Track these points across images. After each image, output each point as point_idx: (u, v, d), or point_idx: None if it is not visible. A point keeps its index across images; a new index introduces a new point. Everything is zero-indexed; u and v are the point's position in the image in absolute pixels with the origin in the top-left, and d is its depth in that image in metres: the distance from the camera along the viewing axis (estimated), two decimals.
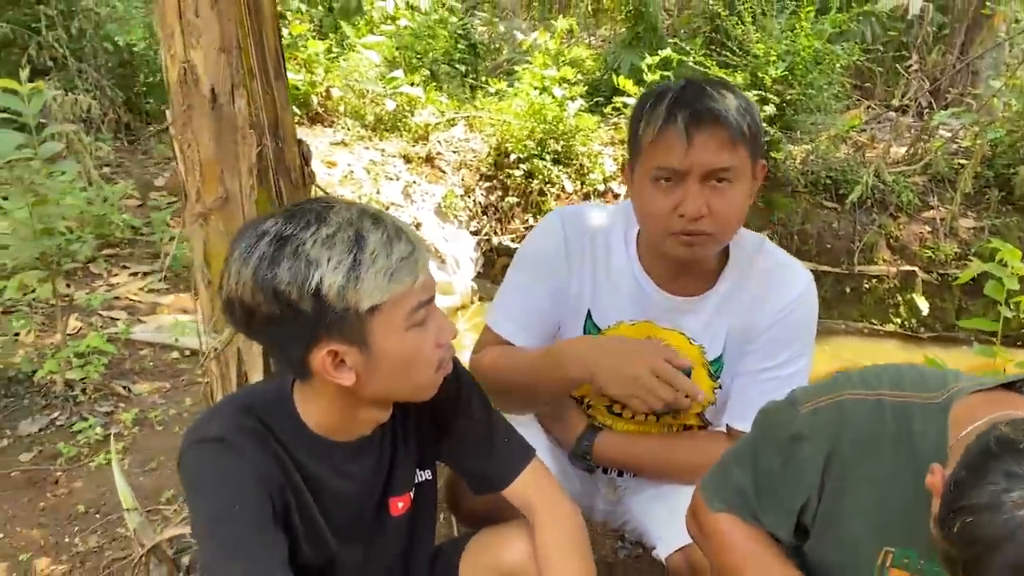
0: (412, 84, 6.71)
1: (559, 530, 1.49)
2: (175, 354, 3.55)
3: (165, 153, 5.94)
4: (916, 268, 5.50)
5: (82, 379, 3.09)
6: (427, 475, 1.54)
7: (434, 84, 7.23)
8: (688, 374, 1.56)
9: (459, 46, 8.08)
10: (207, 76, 1.77)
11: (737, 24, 5.99)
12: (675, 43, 6.28)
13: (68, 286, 3.93)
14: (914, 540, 1.18)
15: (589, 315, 1.74)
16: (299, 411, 1.35)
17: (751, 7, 6.06)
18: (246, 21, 1.77)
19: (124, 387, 3.19)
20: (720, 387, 1.74)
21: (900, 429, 1.16)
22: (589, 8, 7.63)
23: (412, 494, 1.51)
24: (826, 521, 1.24)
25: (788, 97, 5.63)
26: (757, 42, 5.74)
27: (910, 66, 6.95)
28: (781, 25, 5.97)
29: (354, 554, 1.47)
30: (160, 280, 4.22)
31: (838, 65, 5.69)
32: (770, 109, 5.48)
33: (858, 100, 6.80)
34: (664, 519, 1.75)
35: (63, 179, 4.22)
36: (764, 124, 5.33)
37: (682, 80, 1.58)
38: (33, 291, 3.14)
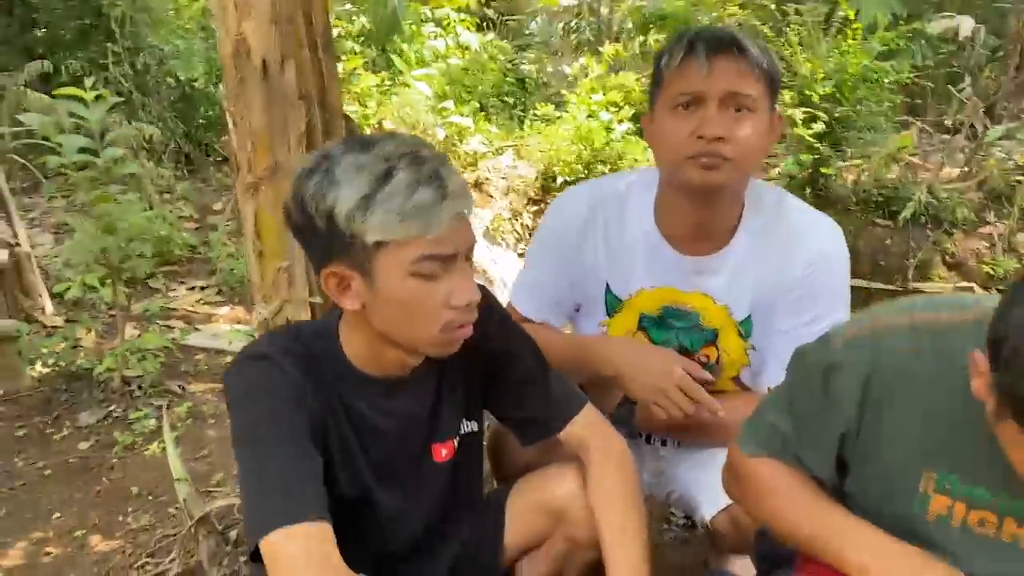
0: (462, 115, 6.84)
1: (613, 465, 1.50)
2: (229, 358, 3.63)
3: (224, 182, 6.14)
4: (974, 284, 5.37)
5: (139, 376, 3.19)
6: (473, 426, 1.55)
7: (483, 115, 7.37)
8: (713, 376, 1.59)
9: (508, 80, 8.23)
10: (258, 47, 1.84)
11: (784, 46, 6.01)
12: None
13: (128, 297, 4.05)
14: (956, 464, 1.16)
15: (608, 288, 1.73)
16: (341, 343, 1.39)
17: (797, 29, 6.07)
18: None
19: (179, 386, 3.27)
20: (753, 347, 1.72)
21: (937, 349, 1.15)
22: (637, 43, 7.71)
23: (456, 442, 1.52)
24: (866, 451, 1.22)
25: (837, 114, 5.60)
26: (804, 61, 5.74)
27: (963, 88, 6.87)
28: (828, 44, 5.96)
29: (394, 496, 1.48)
30: (216, 293, 4.35)
31: (887, 81, 5.65)
32: (818, 126, 5.45)
33: (910, 120, 6.72)
34: (708, 484, 1.73)
35: (125, 198, 4.39)
36: (814, 140, 5.35)
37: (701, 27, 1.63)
38: (95, 290, 3.25)
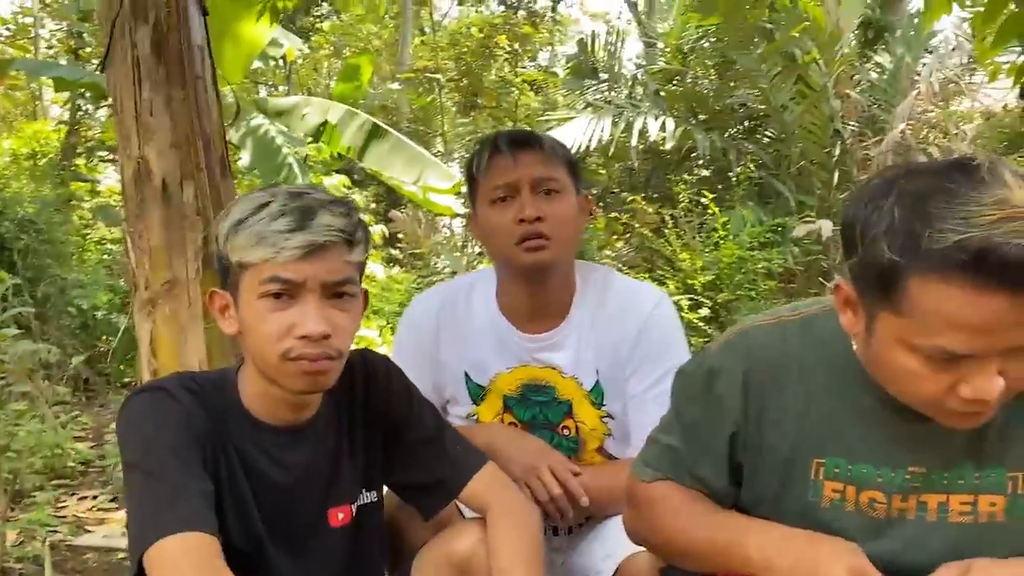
0: (368, 328, 7.00)
1: (513, 522, 1.47)
2: (121, 555, 3.41)
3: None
4: None
5: (20, 568, 2.96)
6: (371, 496, 1.52)
7: (389, 329, 7.54)
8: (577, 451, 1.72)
9: None
10: (159, 169, 1.99)
11: (664, 244, 6.53)
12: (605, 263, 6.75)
13: (12, 509, 3.83)
14: (840, 446, 1.20)
15: (467, 376, 1.81)
16: (239, 389, 1.40)
17: (676, 232, 6.64)
18: (194, 122, 2.02)
19: None
20: (609, 415, 1.78)
21: (804, 338, 1.22)
22: None
23: (354, 510, 1.49)
24: (756, 448, 1.26)
25: (720, 299, 6.00)
26: (684, 255, 6.24)
27: (833, 283, 7.48)
28: (703, 240, 6.51)
29: (288, 558, 1.43)
30: (110, 500, 4.13)
31: (760, 268, 6.14)
32: (704, 311, 5.82)
33: (788, 303, 7.23)
34: (601, 553, 1.73)
35: (16, 407, 4.27)
36: (701, 324, 5.67)
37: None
38: None
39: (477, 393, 1.81)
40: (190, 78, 1.99)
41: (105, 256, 7.54)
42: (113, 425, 5.34)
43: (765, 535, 1.19)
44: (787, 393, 1.22)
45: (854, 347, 1.16)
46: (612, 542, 1.59)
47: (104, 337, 6.72)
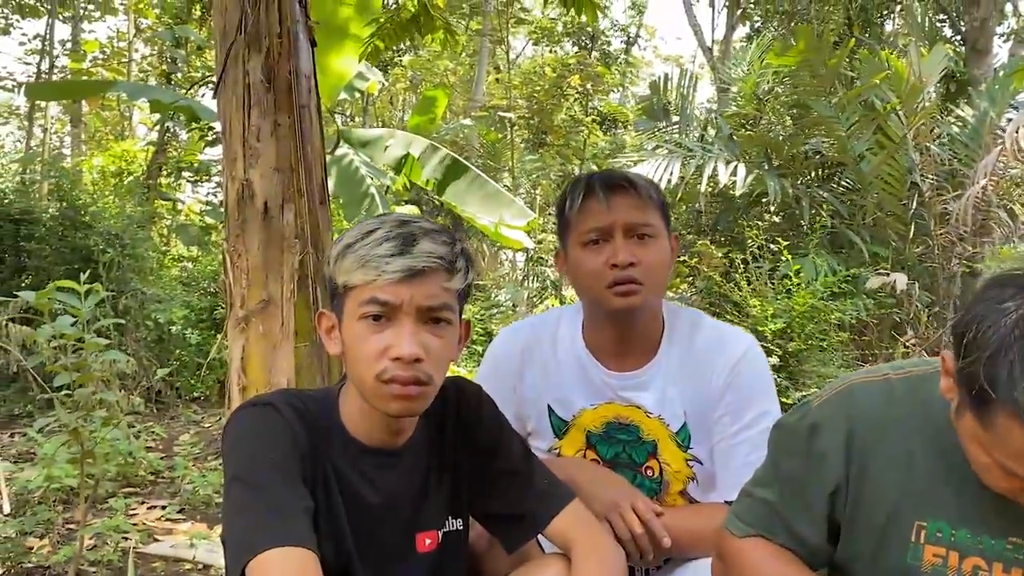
0: None
1: (596, 560, 1.45)
2: (188, 566, 3.48)
3: (192, 418, 6.15)
4: None
5: (94, 571, 3.04)
6: (458, 524, 1.52)
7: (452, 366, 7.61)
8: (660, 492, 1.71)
9: (476, 329, 8.60)
10: (262, 192, 2.06)
11: (734, 290, 6.46)
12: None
13: (88, 515, 3.93)
14: (943, 509, 1.18)
15: (550, 410, 1.82)
16: (340, 410, 1.44)
17: (747, 276, 6.57)
18: (298, 149, 2.10)
19: None
20: (698, 460, 1.77)
21: (911, 398, 1.22)
22: None
23: (440, 536, 1.51)
24: (856, 506, 1.24)
25: (790, 348, 5.90)
26: (754, 302, 6.16)
27: (908, 340, 7.32)
28: (775, 287, 6.42)
29: None
30: (178, 511, 4.23)
31: (832, 319, 6.04)
32: (774, 359, 5.72)
33: (859, 356, 7.07)
34: None
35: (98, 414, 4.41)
36: (772, 372, 5.58)
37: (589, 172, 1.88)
38: (58, 490, 3.17)
39: (560, 427, 1.81)
40: (296, 106, 2.07)
41: (183, 273, 7.76)
42: (183, 437, 5.49)
43: None
44: (890, 452, 1.21)
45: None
46: None
47: (177, 351, 6.91)
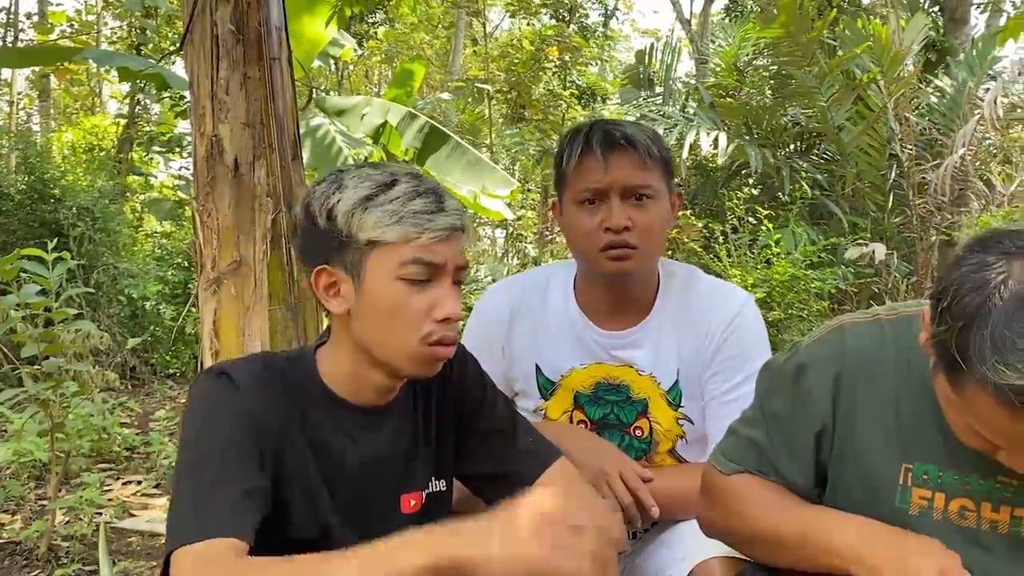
0: None
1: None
2: (164, 540, 3.42)
3: (167, 394, 6.07)
4: None
5: (67, 546, 2.98)
6: (441, 485, 1.48)
7: None
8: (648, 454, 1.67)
9: None
10: (232, 148, 1.98)
11: (714, 260, 6.44)
12: None
13: (59, 489, 3.86)
14: (931, 452, 1.17)
15: (539, 369, 1.77)
16: (319, 368, 1.37)
17: (726, 247, 6.56)
18: (269, 103, 2.02)
19: (111, 560, 3.04)
20: (687, 418, 1.73)
21: (900, 340, 1.19)
22: None
23: (424, 497, 1.45)
24: (844, 448, 1.23)
25: (770, 318, 5.90)
26: (734, 272, 6.15)
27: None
28: (755, 257, 6.41)
29: (358, 544, 1.40)
30: (154, 487, 4.16)
31: (812, 288, 6.04)
32: None
33: None
34: (671, 555, 1.68)
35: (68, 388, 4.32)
36: None
37: (591, 119, 1.81)
38: (30, 465, 3.10)
39: (547, 388, 1.77)
40: (267, 58, 1.99)
41: (156, 249, 7.64)
42: (159, 413, 5.41)
43: (854, 528, 1.16)
44: (879, 393, 1.19)
45: None
46: (686, 545, 1.53)
47: (151, 327, 6.81)
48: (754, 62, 9.58)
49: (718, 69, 10.02)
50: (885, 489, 1.19)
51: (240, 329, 1.95)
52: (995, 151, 8.20)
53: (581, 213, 1.64)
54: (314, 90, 7.01)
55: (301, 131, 5.29)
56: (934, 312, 1.01)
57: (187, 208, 9.02)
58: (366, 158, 5.95)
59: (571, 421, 1.76)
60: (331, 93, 11.89)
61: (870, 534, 1.14)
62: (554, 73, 12.74)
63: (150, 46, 9.78)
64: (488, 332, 1.79)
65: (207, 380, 1.30)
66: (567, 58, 12.60)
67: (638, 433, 1.74)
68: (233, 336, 1.97)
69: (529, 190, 13.42)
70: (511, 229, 12.49)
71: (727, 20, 11.89)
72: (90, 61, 4.79)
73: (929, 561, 1.07)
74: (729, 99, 9.30)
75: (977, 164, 7.93)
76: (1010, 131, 8.24)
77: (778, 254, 6.28)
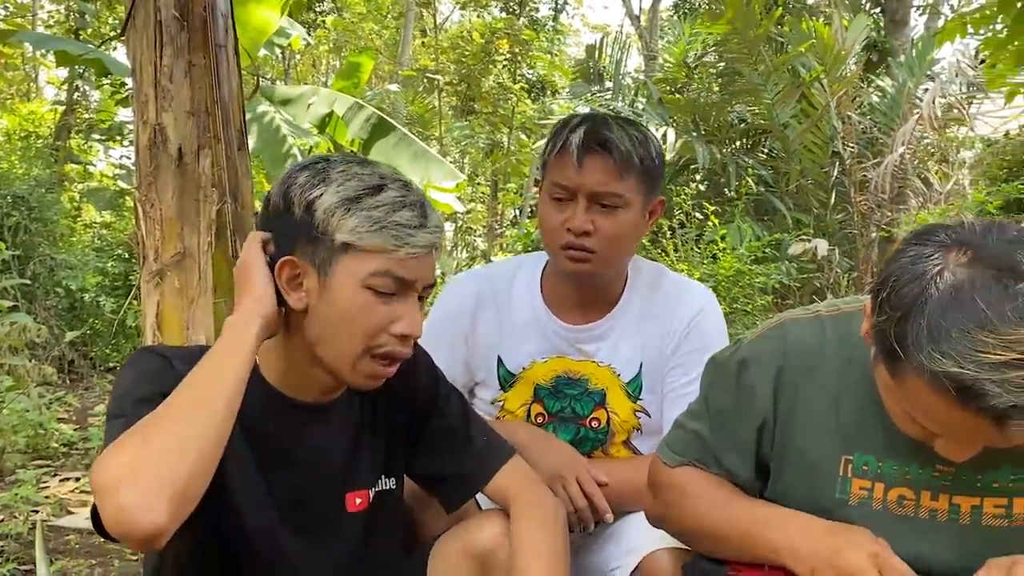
0: None
1: (536, 518, 1.42)
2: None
3: (107, 388, 5.91)
4: None
5: (2, 544, 2.89)
6: (390, 483, 1.46)
7: None
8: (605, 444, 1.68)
9: None
10: (175, 137, 1.93)
11: (662, 255, 6.51)
12: None
13: None
14: (870, 443, 1.19)
15: (500, 361, 1.77)
16: (259, 362, 1.34)
17: (674, 240, 6.63)
18: (214, 91, 1.97)
19: (49, 559, 2.96)
20: (644, 411, 1.75)
21: (841, 336, 1.21)
22: None
23: (372, 495, 1.43)
24: (785, 443, 1.25)
25: None
26: (681, 268, 6.22)
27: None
28: (701, 252, 6.50)
29: (302, 543, 1.37)
30: None
31: (756, 283, 6.14)
32: None
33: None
34: (620, 548, 1.69)
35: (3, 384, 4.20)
36: None
37: (589, 111, 1.80)
38: None
39: (507, 380, 1.77)
40: (212, 45, 1.94)
41: (96, 239, 7.44)
42: (98, 408, 5.26)
43: (790, 524, 1.19)
44: (819, 387, 1.21)
45: None
46: (634, 538, 1.55)
47: (90, 320, 6.64)
48: (702, 59, 9.69)
49: (667, 65, 10.12)
50: (825, 481, 1.21)
51: (184, 322, 1.91)
52: (933, 150, 8.42)
53: (550, 207, 1.64)
54: (260, 79, 6.90)
55: (247, 118, 5.21)
56: (874, 303, 1.03)
57: (128, 198, 8.81)
58: (312, 148, 5.87)
59: (529, 413, 1.77)
60: (278, 82, 11.73)
61: (805, 530, 1.17)
62: (504, 66, 12.73)
63: (89, 30, 9.51)
64: (452, 322, 1.77)
65: (142, 355, 1.27)
66: (517, 51, 12.61)
67: (594, 424, 1.75)
68: (177, 329, 1.92)
69: (479, 184, 13.40)
70: (460, 222, 12.46)
71: (676, 17, 12.01)
72: (26, 44, 4.63)
73: (860, 552, 1.10)
74: (677, 95, 9.40)
75: (916, 163, 8.15)
76: (947, 131, 8.47)
77: (724, 249, 6.37)
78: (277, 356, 1.32)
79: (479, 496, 1.53)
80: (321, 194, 1.20)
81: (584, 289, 1.71)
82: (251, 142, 5.31)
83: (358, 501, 1.41)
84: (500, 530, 1.42)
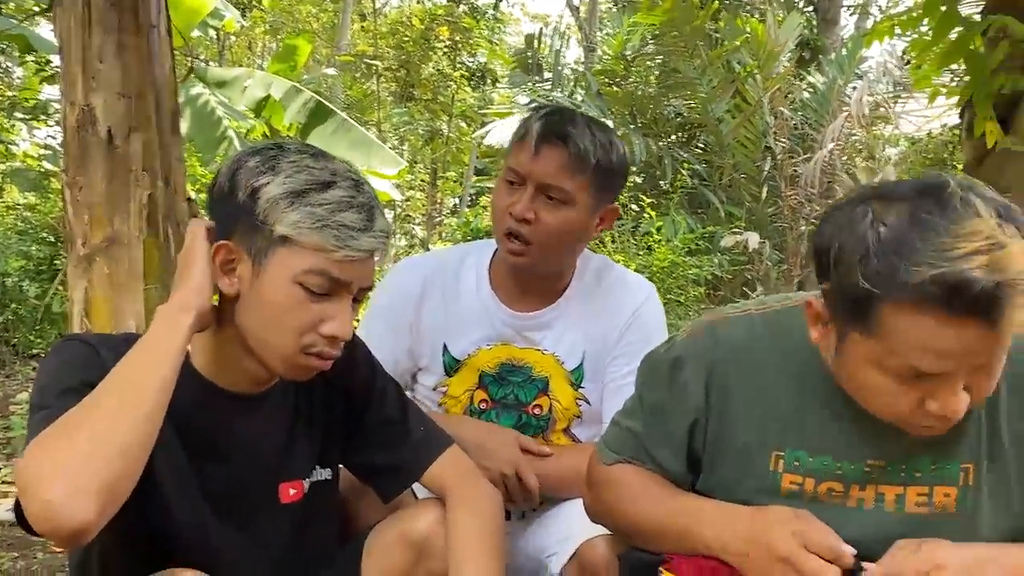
0: None
1: (472, 510, 1.42)
2: None
3: (30, 376, 5.73)
4: None
5: None
6: (326, 474, 1.45)
7: None
8: (546, 431, 1.70)
9: None
10: (105, 118, 1.89)
11: (598, 247, 6.58)
12: None
13: None
14: (802, 439, 1.21)
15: (445, 348, 1.78)
16: (189, 350, 1.31)
17: (611, 233, 6.72)
18: (146, 72, 1.93)
19: None
20: (585, 400, 1.78)
21: (772, 333, 1.23)
22: None
23: (306, 486, 1.42)
24: (717, 439, 1.26)
25: None
26: (616, 260, 6.30)
27: (758, 296, 7.67)
28: (637, 243, 6.59)
29: (235, 536, 1.36)
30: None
31: (690, 274, 6.26)
32: None
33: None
34: (555, 538, 1.72)
35: None
36: None
37: (564, 105, 1.82)
38: None
39: (452, 366, 1.77)
40: (144, 26, 1.89)
41: (19, 222, 7.18)
42: (21, 396, 5.11)
43: (718, 514, 1.21)
44: (751, 385, 1.23)
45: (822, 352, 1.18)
46: (571, 525, 1.56)
47: (13, 305, 6.41)
48: (641, 52, 9.79)
49: (605, 57, 10.19)
50: (756, 476, 1.23)
51: (113, 309, 1.87)
52: (860, 147, 8.66)
53: (502, 190, 1.65)
54: (194, 61, 6.72)
55: (180, 101, 5.08)
56: (826, 267, 1.04)
57: (54, 180, 8.51)
58: (248, 132, 5.75)
59: (472, 399, 1.78)
60: (212, 64, 11.45)
61: (731, 520, 1.19)
62: (444, 53, 12.66)
63: (12, 4, 9.14)
64: (397, 307, 1.77)
65: (66, 344, 1.24)
66: (458, 39, 12.55)
67: (536, 411, 1.77)
68: (105, 316, 1.88)
69: (418, 171, 13.33)
70: (399, 210, 12.38)
71: (615, 8, 12.09)
72: None
73: (782, 532, 1.13)
74: (616, 88, 9.48)
75: (844, 159, 8.37)
76: (874, 128, 8.72)
77: (659, 241, 6.48)
78: (208, 345, 1.29)
79: (416, 487, 1.54)
80: (268, 182, 1.18)
81: (528, 279, 1.72)
82: (185, 125, 5.19)
83: (292, 492, 1.39)
84: (436, 518, 1.42)
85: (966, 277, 0.93)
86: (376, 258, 1.23)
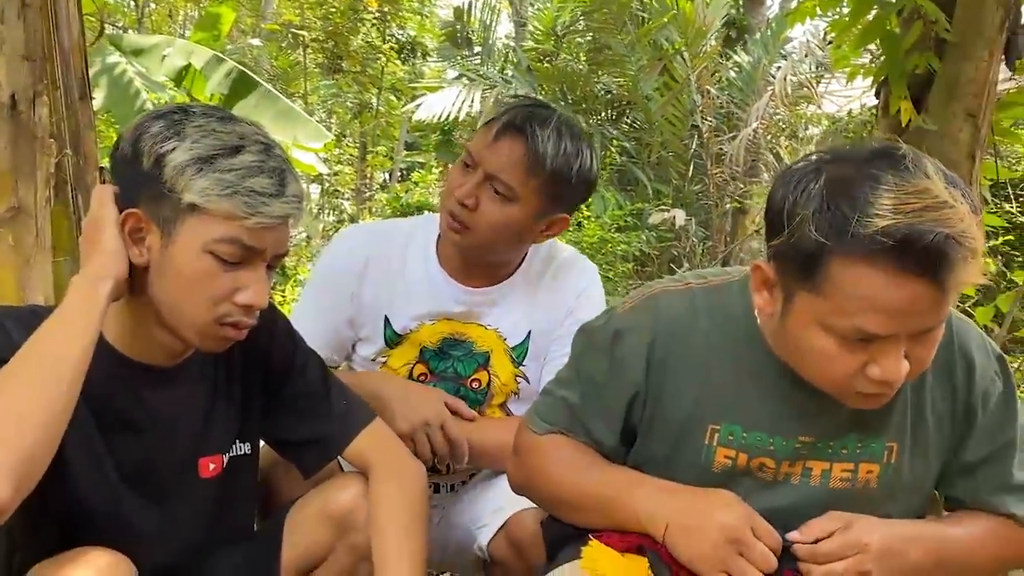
0: None
1: (395, 484, 1.41)
2: None
3: None
4: None
5: None
6: (245, 448, 1.43)
7: None
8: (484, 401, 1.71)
9: None
10: (8, 83, 1.80)
11: None
12: None
13: None
14: (737, 414, 1.23)
15: (388, 322, 1.77)
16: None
17: None
18: (53, 36, 1.84)
19: None
20: (523, 376, 1.79)
21: (711, 307, 1.25)
22: None
23: (225, 460, 1.40)
24: (654, 413, 1.27)
25: None
26: None
27: (684, 269, 7.81)
28: None
29: (152, 510, 1.33)
30: None
31: (619, 250, 6.33)
32: None
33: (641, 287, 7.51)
34: (484, 510, 1.73)
35: None
36: None
37: (547, 103, 1.82)
38: None
39: (393, 339, 1.76)
40: None
41: None
42: None
43: (652, 490, 1.22)
44: (690, 359, 1.24)
45: (759, 321, 1.20)
46: (501, 497, 1.59)
47: None
48: (571, 28, 9.79)
49: (536, 33, 10.17)
50: (691, 448, 1.25)
51: (19, 282, 1.79)
52: (784, 126, 8.84)
53: (456, 169, 1.65)
54: (110, 27, 6.47)
55: (95, 70, 4.88)
56: (779, 224, 1.06)
57: None
58: (168, 103, 5.54)
59: (412, 372, 1.77)
60: (130, 31, 11.05)
61: (670, 496, 1.21)
62: (373, 25, 12.46)
63: None
64: (339, 276, 1.75)
65: None
66: (387, 10, 12.36)
67: (475, 385, 1.78)
68: (11, 289, 1.80)
69: (347, 145, 13.13)
70: (327, 184, 12.19)
71: None
72: None
73: (732, 511, 1.16)
74: (546, 64, 9.47)
75: (768, 138, 8.54)
76: (797, 108, 8.90)
77: (588, 217, 6.53)
78: (120, 317, 1.26)
79: (344, 463, 1.52)
80: (173, 148, 1.14)
81: (472, 258, 1.71)
82: (100, 95, 5.00)
83: (212, 466, 1.38)
84: (359, 492, 1.42)
85: (917, 229, 0.96)
86: (291, 223, 1.21)
